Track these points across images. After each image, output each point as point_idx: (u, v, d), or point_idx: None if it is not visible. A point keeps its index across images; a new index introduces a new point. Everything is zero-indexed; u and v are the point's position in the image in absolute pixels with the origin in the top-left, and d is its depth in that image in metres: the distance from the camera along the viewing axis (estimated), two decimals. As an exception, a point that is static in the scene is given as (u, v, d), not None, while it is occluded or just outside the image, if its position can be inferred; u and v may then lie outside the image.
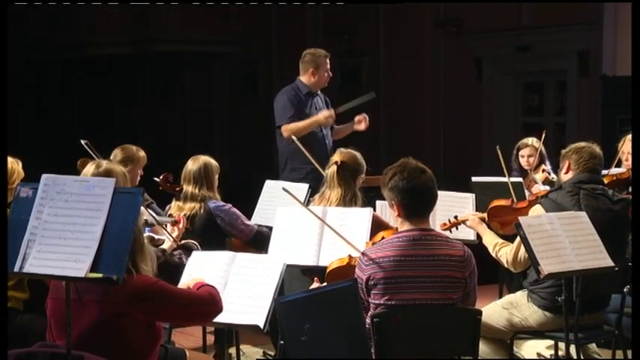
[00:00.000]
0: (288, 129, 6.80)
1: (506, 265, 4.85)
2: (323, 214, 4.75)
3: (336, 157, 5.14)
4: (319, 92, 7.10)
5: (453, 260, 3.81)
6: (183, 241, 4.96)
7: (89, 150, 5.53)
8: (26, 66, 16.14)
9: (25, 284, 4.55)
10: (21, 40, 15.47)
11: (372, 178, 5.36)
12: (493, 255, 4.90)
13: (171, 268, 4.57)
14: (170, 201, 5.58)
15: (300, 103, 6.93)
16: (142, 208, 4.86)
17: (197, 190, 5.42)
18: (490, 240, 4.95)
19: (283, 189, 4.77)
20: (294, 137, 6.41)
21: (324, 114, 6.89)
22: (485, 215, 5.38)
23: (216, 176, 5.53)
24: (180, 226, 5.04)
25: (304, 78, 7.02)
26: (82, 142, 5.57)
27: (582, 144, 5.01)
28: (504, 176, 5.84)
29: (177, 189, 5.49)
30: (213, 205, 5.40)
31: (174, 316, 3.59)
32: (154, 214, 5.15)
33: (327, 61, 7.03)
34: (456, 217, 5.33)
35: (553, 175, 6.80)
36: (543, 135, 6.92)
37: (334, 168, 5.07)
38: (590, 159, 4.91)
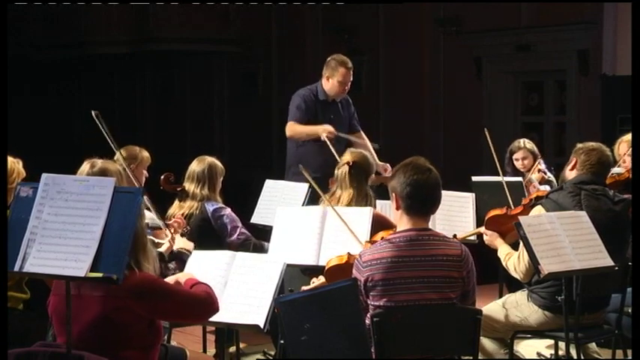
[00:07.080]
0: (290, 128, 6.73)
1: (514, 275, 4.80)
2: (323, 213, 4.74)
3: (347, 157, 5.10)
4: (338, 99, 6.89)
5: (451, 260, 3.81)
6: (177, 248, 4.89)
7: (98, 123, 5.43)
8: (26, 66, 16.11)
9: (23, 285, 4.55)
10: (21, 39, 15.46)
11: (372, 177, 5.35)
12: (504, 265, 4.87)
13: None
14: (170, 201, 5.57)
15: (314, 105, 6.79)
16: (145, 210, 4.86)
17: (198, 190, 5.40)
18: (503, 251, 4.91)
19: (300, 165, 4.77)
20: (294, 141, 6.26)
21: (324, 128, 6.56)
22: (483, 229, 5.24)
23: (220, 179, 5.49)
24: (176, 225, 5.02)
25: (323, 81, 6.84)
26: (93, 113, 5.43)
27: (595, 146, 4.92)
28: (499, 166, 5.80)
29: (179, 189, 5.47)
30: (210, 208, 5.36)
31: (172, 313, 3.60)
32: (154, 217, 5.14)
33: (344, 71, 6.72)
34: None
35: (549, 175, 6.76)
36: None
37: (346, 168, 5.02)
38: (596, 164, 4.84)
